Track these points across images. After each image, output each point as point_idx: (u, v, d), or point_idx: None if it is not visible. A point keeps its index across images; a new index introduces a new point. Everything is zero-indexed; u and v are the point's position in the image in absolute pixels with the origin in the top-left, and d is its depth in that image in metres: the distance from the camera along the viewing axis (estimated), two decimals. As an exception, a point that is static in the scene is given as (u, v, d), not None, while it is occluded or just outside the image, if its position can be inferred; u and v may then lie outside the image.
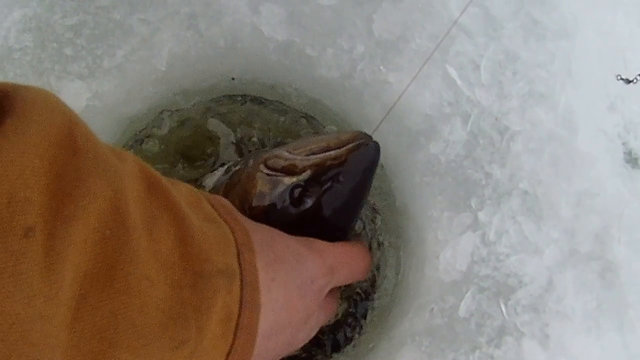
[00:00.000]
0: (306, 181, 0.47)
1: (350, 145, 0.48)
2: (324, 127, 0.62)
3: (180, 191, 0.34)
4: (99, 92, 0.57)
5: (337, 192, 0.48)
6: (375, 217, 0.61)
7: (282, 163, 0.48)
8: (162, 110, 0.60)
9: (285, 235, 0.45)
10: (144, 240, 0.28)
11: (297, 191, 0.48)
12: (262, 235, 0.40)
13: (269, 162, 0.49)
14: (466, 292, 0.55)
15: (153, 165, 0.60)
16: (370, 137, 0.49)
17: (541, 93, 0.60)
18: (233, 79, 0.61)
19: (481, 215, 0.56)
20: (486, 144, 0.58)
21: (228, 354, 0.32)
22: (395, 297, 0.58)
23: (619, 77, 0.62)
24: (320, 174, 0.47)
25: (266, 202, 0.48)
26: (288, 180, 0.48)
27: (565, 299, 0.56)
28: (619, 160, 0.62)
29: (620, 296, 0.56)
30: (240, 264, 0.33)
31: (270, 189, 0.48)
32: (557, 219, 0.57)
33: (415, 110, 0.57)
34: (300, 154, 0.48)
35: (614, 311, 0.56)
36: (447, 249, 0.55)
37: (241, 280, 0.33)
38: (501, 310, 0.55)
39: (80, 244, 0.25)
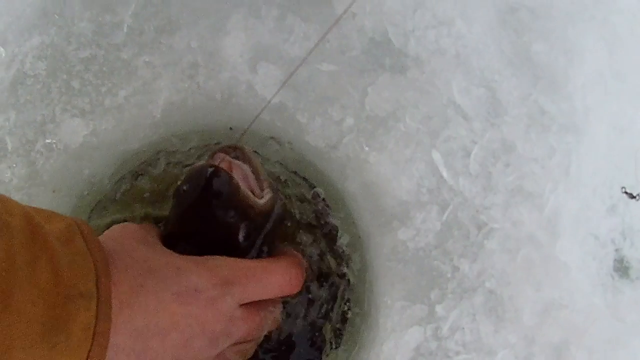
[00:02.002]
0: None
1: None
2: (313, 188, 0.63)
3: (59, 229, 0.45)
4: (96, 131, 0.60)
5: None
6: (345, 287, 0.62)
7: None
8: (159, 151, 0.63)
9: (171, 254, 0.52)
10: (27, 276, 0.41)
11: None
12: (130, 258, 0.50)
13: None
14: (404, 384, 0.56)
15: (144, 199, 0.64)
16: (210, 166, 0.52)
17: (530, 191, 0.57)
18: (231, 128, 0.62)
19: (439, 308, 0.57)
20: (460, 236, 0.57)
21: (89, 351, 0.43)
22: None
23: (623, 190, 0.59)
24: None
25: None
26: None
27: (508, 406, 0.56)
28: (606, 268, 0.59)
29: (565, 414, 0.56)
30: (98, 287, 0.44)
31: None
32: (518, 324, 0.57)
33: (391, 193, 0.57)
34: None
35: None
36: (391, 338, 0.56)
37: (97, 299, 0.43)
38: (440, 405, 0.56)
39: None
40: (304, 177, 0.62)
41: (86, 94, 0.61)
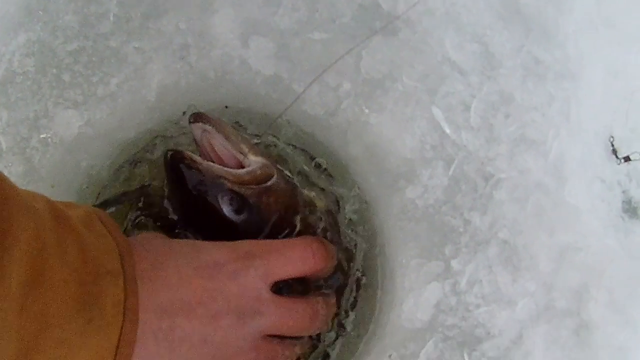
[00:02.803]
0: None
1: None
2: (314, 159, 0.62)
3: (79, 215, 0.46)
4: (91, 121, 0.59)
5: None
6: (357, 254, 0.61)
7: None
8: (156, 136, 0.62)
9: (187, 239, 0.54)
10: (58, 256, 0.41)
11: None
12: (148, 243, 0.51)
13: None
14: (428, 340, 0.55)
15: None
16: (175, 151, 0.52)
17: (533, 139, 0.58)
18: (226, 107, 0.62)
19: (454, 263, 0.56)
20: (468, 190, 0.57)
21: (122, 326, 0.43)
22: (366, 335, 0.59)
23: (611, 140, 0.59)
24: None
25: None
26: None
27: (534, 354, 0.55)
28: (616, 210, 0.60)
29: (592, 356, 0.55)
30: (122, 265, 0.45)
31: None
32: (535, 271, 0.56)
33: (395, 153, 0.57)
34: None
35: (585, 371, 0.55)
36: (410, 297, 0.55)
37: (124, 277, 0.44)
38: (465, 360, 0.56)
39: (17, 262, 0.38)
40: (302, 149, 0.62)
41: (77, 86, 0.60)
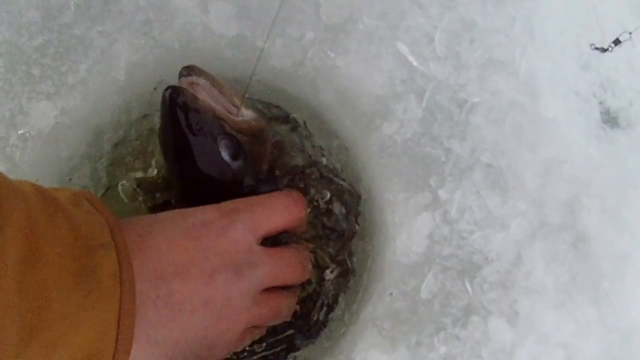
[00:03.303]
0: None
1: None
2: (289, 115, 0.62)
3: (66, 196, 0.46)
4: (65, 109, 0.60)
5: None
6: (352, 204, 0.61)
7: None
8: (131, 117, 0.63)
9: (170, 210, 0.53)
10: (50, 233, 0.41)
11: None
12: (135, 218, 0.51)
13: None
14: (427, 273, 0.54)
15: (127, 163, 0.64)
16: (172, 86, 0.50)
17: (501, 60, 0.57)
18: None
19: (442, 193, 0.56)
20: (444, 118, 0.57)
21: (121, 297, 0.43)
22: (364, 281, 0.59)
23: (593, 47, 0.58)
24: None
25: None
26: None
27: (535, 273, 0.54)
28: (595, 122, 0.59)
29: (594, 267, 0.54)
30: (113, 238, 0.45)
31: None
32: (523, 190, 0.56)
33: (367, 92, 0.57)
34: None
35: (589, 283, 0.54)
36: (402, 231, 0.55)
37: (116, 248, 0.44)
38: (466, 289, 0.54)
39: (11, 241, 0.38)
40: (277, 106, 0.62)
41: (48, 78, 0.60)
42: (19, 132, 0.60)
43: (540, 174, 0.56)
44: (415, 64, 0.57)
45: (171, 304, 0.47)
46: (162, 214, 0.52)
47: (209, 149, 0.51)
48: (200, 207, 0.53)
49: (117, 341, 0.43)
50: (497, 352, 0.53)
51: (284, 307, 0.55)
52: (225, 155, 0.52)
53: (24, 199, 0.41)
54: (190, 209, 0.52)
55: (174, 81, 0.61)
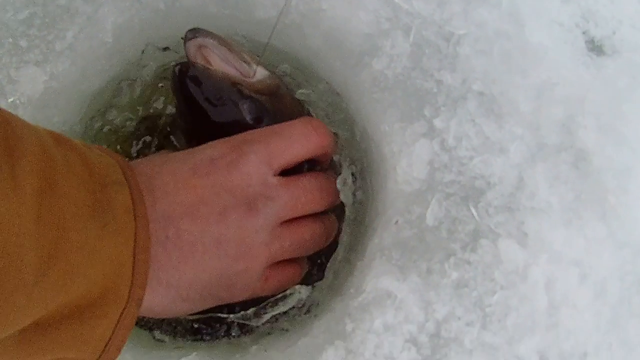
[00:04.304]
0: None
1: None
2: (277, 67, 0.62)
3: (76, 140, 0.46)
4: (54, 74, 0.60)
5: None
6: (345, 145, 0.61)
7: None
8: (120, 81, 0.63)
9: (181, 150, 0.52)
10: (64, 167, 0.41)
11: None
12: (144, 158, 0.52)
13: None
14: (431, 200, 0.53)
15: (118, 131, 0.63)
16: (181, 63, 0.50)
17: (483, -6, 0.58)
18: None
19: (437, 122, 0.55)
20: (432, 52, 0.57)
21: (135, 232, 0.43)
22: (367, 217, 0.57)
23: None
24: None
25: None
26: None
27: (539, 194, 0.53)
28: (581, 50, 0.60)
29: (598, 183, 0.54)
30: (125, 177, 0.45)
31: None
32: (518, 114, 0.55)
33: (353, 31, 0.57)
34: None
35: (594, 200, 0.53)
36: (402, 158, 0.54)
37: (128, 186, 0.44)
38: (472, 214, 0.53)
39: (29, 172, 0.38)
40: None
41: (36, 47, 0.60)
42: (9, 99, 0.60)
43: (533, 97, 0.56)
44: (397, 1, 0.58)
45: (181, 245, 0.46)
46: (172, 154, 0.51)
47: (232, 116, 0.51)
48: (210, 142, 0.51)
49: (133, 275, 0.42)
50: (510, 273, 0.52)
51: (309, 236, 0.52)
52: (249, 119, 0.51)
53: (38, 137, 0.41)
54: (200, 146, 0.51)
55: (163, 43, 0.62)
